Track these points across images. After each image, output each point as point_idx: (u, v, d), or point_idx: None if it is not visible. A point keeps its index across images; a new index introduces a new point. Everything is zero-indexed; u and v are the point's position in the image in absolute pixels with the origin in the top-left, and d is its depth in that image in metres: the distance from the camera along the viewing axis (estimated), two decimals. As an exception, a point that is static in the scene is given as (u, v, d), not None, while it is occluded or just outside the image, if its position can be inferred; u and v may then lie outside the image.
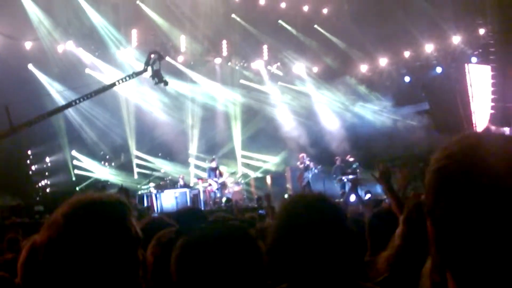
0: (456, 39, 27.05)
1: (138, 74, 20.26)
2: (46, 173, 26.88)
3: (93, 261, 2.04)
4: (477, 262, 1.26)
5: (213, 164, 24.31)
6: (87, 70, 25.53)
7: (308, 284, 2.37)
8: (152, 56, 19.69)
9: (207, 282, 1.93)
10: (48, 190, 26.25)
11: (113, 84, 19.94)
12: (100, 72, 25.12)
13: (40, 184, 26.38)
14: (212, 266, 1.94)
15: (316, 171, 24.20)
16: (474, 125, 26.26)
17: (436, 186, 1.33)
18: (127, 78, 20.03)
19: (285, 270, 2.42)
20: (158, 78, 19.82)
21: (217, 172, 24.16)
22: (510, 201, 1.22)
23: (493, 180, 1.24)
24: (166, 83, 20.31)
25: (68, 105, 19.42)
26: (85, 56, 26.02)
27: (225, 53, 29.77)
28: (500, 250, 1.23)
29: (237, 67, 30.68)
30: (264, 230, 3.88)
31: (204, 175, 25.47)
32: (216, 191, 23.84)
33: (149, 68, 19.64)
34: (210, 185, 24.01)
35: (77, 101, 19.12)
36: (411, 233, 3.34)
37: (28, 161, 26.41)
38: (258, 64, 30.61)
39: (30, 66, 24.94)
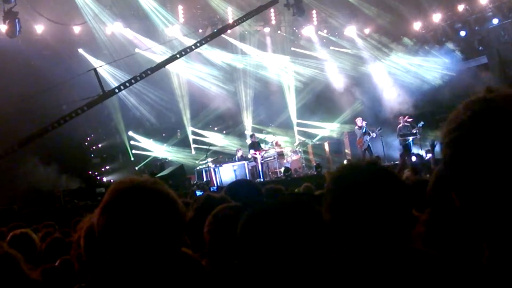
0: (512, -13, 26.03)
1: (267, 7, 19.72)
2: (105, 155, 27.27)
3: (138, 241, 2.18)
4: (505, 229, 1.27)
5: (254, 139, 24.26)
6: (136, 50, 25.52)
7: (366, 250, 2.38)
8: None
9: (272, 254, 1.97)
10: (108, 171, 26.58)
11: (226, 27, 19.68)
12: (150, 51, 25.06)
13: (99, 167, 26.75)
14: (276, 238, 1.98)
15: (375, 134, 23.82)
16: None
17: (453, 159, 1.35)
18: (247, 17, 19.71)
19: (342, 237, 2.42)
20: (297, 7, 19.34)
21: (258, 146, 24.33)
22: None
23: (504, 144, 1.24)
24: (302, 13, 19.85)
25: (172, 58, 19.38)
26: (133, 36, 26.07)
27: (273, 21, 29.41)
28: None
29: (287, 35, 30.27)
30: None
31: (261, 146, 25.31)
32: (262, 162, 23.69)
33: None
34: (254, 158, 23.84)
35: (178, 56, 19.24)
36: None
37: (87, 144, 26.80)
38: (308, 30, 30.15)
39: (81, 51, 25.18)
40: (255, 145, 24.18)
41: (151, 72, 18.83)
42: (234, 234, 2.13)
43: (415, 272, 2.37)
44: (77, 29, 24.84)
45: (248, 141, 25.75)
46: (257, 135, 27.86)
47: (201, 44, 19.98)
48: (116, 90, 18.88)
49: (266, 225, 2.00)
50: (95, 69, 17.82)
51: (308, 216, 2.05)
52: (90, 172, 25.64)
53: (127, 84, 18.74)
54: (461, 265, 2.40)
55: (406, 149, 23.06)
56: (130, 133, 27.32)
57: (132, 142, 27.36)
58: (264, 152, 24.05)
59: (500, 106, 1.30)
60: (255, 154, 23.72)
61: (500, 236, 1.29)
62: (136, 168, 26.57)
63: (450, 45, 28.19)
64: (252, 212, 2.08)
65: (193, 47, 19.50)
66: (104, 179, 25.58)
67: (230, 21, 25.52)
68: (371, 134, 23.80)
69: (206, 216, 3.42)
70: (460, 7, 27.87)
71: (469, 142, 1.30)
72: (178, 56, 19.40)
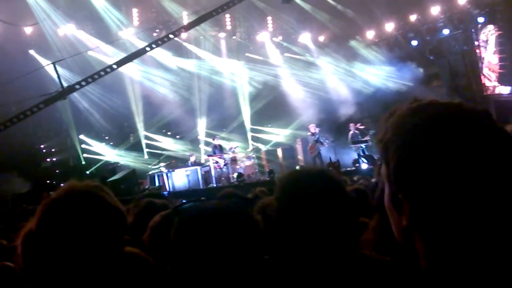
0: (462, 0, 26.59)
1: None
2: (55, 159, 26.88)
3: (74, 247, 2.14)
4: (445, 220, 1.29)
5: (216, 142, 24.21)
6: (89, 53, 25.23)
7: (309, 255, 2.47)
8: None
9: (203, 256, 1.93)
10: (57, 175, 26.17)
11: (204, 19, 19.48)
12: (103, 54, 24.81)
13: (49, 170, 26.34)
14: (207, 241, 1.94)
15: (326, 144, 24.06)
16: (483, 86, 26.17)
17: (398, 165, 1.35)
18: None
19: (287, 243, 2.52)
20: None
21: (221, 149, 24.13)
22: (473, 168, 1.25)
23: (450, 152, 1.27)
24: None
25: (142, 51, 19.08)
26: (86, 39, 25.74)
27: (228, 27, 29.47)
28: (468, 218, 1.26)
29: (242, 41, 30.36)
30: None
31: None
32: (224, 167, 23.68)
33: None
34: (217, 162, 23.83)
35: (148, 48, 18.98)
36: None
37: (36, 147, 26.38)
38: (263, 36, 30.24)
39: (32, 52, 24.78)
40: (218, 148, 24.15)
41: (117, 67, 18.49)
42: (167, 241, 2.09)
43: (360, 276, 2.45)
44: (28, 30, 24.49)
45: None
46: (211, 140, 27.85)
47: (176, 35, 19.67)
48: (77, 86, 18.21)
49: (197, 231, 1.97)
50: (53, 63, 17.41)
51: (240, 221, 2.01)
52: (40, 176, 25.17)
53: (89, 80, 18.15)
54: (405, 270, 2.45)
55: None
56: (82, 136, 26.94)
57: (83, 146, 27.00)
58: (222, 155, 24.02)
59: (442, 117, 1.32)
60: (218, 157, 23.69)
61: (444, 239, 1.30)
62: (87, 172, 26.21)
63: (402, 54, 28.65)
64: (183, 218, 2.03)
65: (165, 39, 19.20)
66: (54, 183, 25.16)
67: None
68: (324, 143, 24.04)
69: (146, 222, 3.41)
70: (412, 17, 28.34)
71: (413, 151, 1.31)
72: (147, 49, 19.08)
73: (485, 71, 26.31)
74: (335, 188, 2.58)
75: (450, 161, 1.26)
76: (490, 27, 25.75)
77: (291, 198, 2.55)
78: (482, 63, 26.30)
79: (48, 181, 25.26)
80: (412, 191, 1.34)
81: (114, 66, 18.20)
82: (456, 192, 1.26)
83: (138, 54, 19.22)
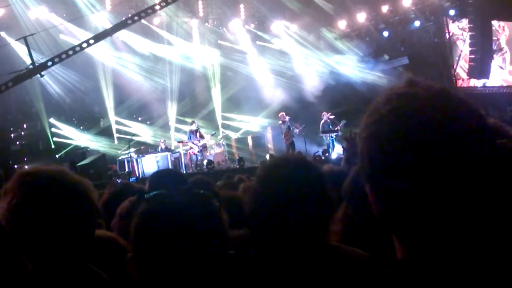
0: (434, -8, 26.90)
1: None
2: (24, 142, 26.61)
3: (46, 229, 2.14)
4: (420, 225, 1.26)
5: (193, 127, 24.06)
6: (61, 36, 25.00)
7: (281, 242, 2.52)
8: None
9: (164, 251, 1.84)
10: (27, 159, 25.90)
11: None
12: (75, 37, 24.58)
13: (18, 153, 26.06)
14: (169, 236, 1.85)
15: (297, 131, 24.09)
16: (454, 78, 26.46)
17: (370, 152, 1.31)
18: None
19: (265, 231, 2.56)
20: None
21: (198, 134, 23.90)
22: (439, 157, 1.22)
23: (422, 138, 1.22)
24: None
25: (122, 24, 18.85)
26: (58, 22, 25.44)
27: (201, 13, 29.38)
28: (440, 208, 1.23)
29: (214, 28, 30.30)
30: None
31: (185, 137, 25.10)
32: (198, 153, 23.60)
33: None
34: (191, 148, 23.80)
35: (129, 21, 18.63)
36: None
37: (5, 130, 26.09)
38: (235, 24, 30.22)
39: (3, 34, 24.49)
40: (195, 133, 24.00)
41: (94, 42, 17.95)
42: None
43: (329, 266, 2.52)
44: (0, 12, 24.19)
45: (187, 127, 25.38)
46: (181, 127, 27.84)
47: (161, 7, 19.37)
48: (49, 63, 17.53)
49: (158, 222, 1.88)
50: (25, 38, 16.99)
51: (205, 216, 1.93)
52: (9, 159, 24.92)
53: (63, 56, 17.62)
54: (375, 261, 2.52)
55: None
56: (52, 120, 26.71)
57: (53, 130, 26.75)
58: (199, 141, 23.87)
59: (420, 103, 1.28)
60: (194, 142, 23.58)
61: (413, 234, 1.29)
62: (57, 156, 26.02)
63: (373, 45, 28.88)
64: (145, 208, 1.94)
65: (150, 10, 18.87)
66: (26, 167, 24.82)
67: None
68: (294, 129, 24.08)
69: (119, 201, 3.45)
70: (384, 8, 28.57)
71: (386, 138, 1.26)
72: (129, 21, 18.70)
73: (462, 63, 26.70)
74: (316, 179, 2.62)
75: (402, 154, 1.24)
76: (462, 20, 26.13)
77: (269, 189, 2.58)
78: (460, 55, 26.69)
79: (17, 165, 25.03)
80: (372, 185, 1.35)
81: (91, 41, 17.70)
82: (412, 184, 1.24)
83: (117, 28, 18.84)
